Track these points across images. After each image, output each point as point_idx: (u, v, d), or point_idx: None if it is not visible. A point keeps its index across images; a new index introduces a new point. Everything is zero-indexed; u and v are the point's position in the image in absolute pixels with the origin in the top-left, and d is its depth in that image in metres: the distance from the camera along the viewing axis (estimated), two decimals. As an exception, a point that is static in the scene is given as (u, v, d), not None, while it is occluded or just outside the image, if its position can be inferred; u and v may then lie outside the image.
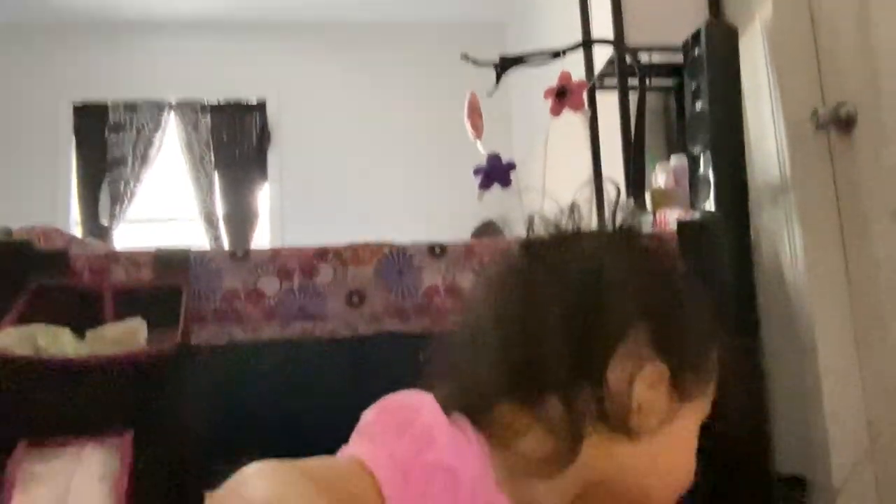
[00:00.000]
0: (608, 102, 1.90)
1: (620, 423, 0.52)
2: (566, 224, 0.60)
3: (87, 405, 1.01)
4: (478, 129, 1.58)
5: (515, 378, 0.53)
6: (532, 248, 0.59)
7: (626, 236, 0.60)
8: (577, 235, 0.60)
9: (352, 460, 0.48)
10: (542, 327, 0.53)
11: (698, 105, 1.38)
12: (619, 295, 0.54)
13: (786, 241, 1.31)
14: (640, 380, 0.53)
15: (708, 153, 1.34)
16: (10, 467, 0.93)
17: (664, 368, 0.53)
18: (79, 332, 1.04)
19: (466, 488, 0.49)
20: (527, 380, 0.53)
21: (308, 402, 1.11)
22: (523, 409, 0.53)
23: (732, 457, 1.23)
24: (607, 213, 0.63)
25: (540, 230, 0.60)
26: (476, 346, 0.56)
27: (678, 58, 1.49)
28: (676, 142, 1.81)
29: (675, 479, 0.56)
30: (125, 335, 1.02)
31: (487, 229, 3.13)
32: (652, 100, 1.79)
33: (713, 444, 1.19)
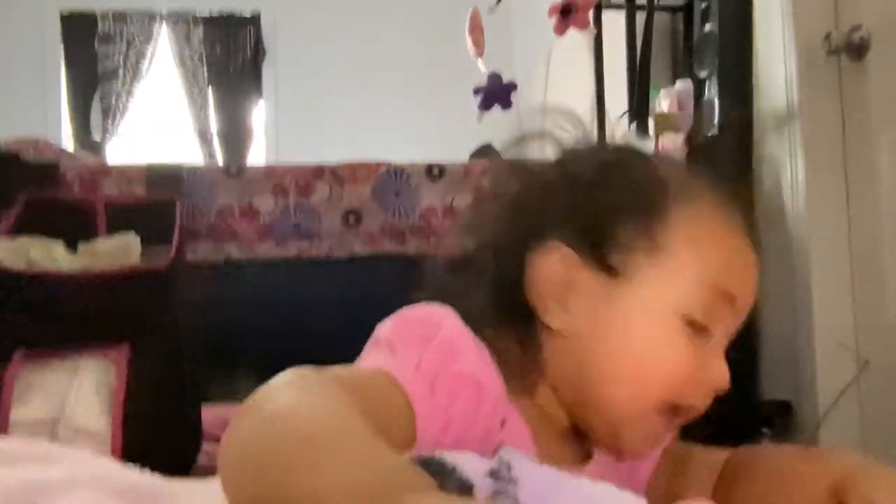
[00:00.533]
0: (614, 22, 1.85)
1: (548, 317, 0.52)
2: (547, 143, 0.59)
3: (81, 318, 1.01)
4: (479, 46, 1.54)
5: (498, 304, 0.53)
6: (513, 170, 0.58)
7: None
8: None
9: (378, 372, 0.46)
10: (498, 249, 0.54)
11: (707, 26, 1.33)
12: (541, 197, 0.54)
13: (788, 169, 1.30)
14: (541, 268, 0.52)
15: (715, 77, 1.31)
16: (7, 378, 0.94)
17: (567, 251, 0.51)
18: (71, 245, 1.04)
19: (489, 401, 0.48)
20: (506, 303, 0.53)
21: (303, 321, 1.11)
22: (504, 330, 0.52)
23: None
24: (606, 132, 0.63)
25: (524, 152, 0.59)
26: (465, 271, 0.56)
27: (690, -24, 1.43)
28: (682, 66, 1.77)
29: (643, 368, 0.50)
30: (118, 250, 1.01)
31: (486, 152, 3.09)
32: (659, 21, 1.74)
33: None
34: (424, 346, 0.48)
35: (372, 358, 0.48)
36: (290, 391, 0.39)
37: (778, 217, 1.31)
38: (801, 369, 1.25)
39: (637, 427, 0.51)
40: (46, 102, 3.83)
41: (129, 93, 3.93)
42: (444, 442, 0.46)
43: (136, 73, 3.93)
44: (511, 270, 0.52)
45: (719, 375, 0.51)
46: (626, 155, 0.57)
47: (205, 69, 3.95)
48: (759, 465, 0.56)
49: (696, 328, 0.51)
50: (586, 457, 0.55)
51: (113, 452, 0.94)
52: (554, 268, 0.51)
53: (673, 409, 0.51)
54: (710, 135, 1.31)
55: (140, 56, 3.93)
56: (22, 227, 1.04)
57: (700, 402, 0.51)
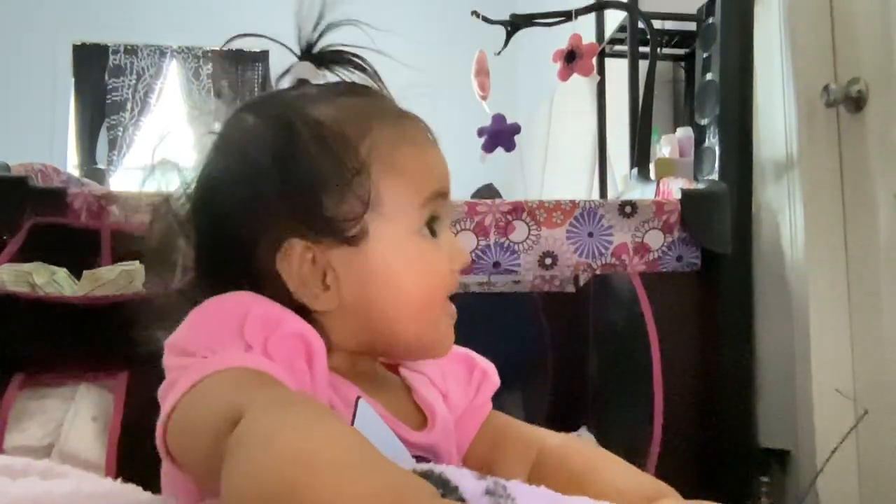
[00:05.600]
0: (617, 69, 1.88)
1: (318, 304, 0.54)
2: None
3: (81, 345, 1.01)
4: (485, 88, 1.56)
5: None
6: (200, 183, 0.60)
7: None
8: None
9: (235, 371, 0.46)
10: (242, 263, 0.57)
11: (709, 75, 1.36)
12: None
13: (787, 217, 1.31)
14: (289, 271, 0.54)
15: (715, 124, 1.33)
16: (4, 402, 0.94)
17: (302, 244, 0.53)
18: (76, 272, 1.04)
19: (319, 358, 0.51)
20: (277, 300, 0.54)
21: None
22: None
23: (717, 427, 1.24)
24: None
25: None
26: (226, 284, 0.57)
27: (691, 26, 1.46)
28: (683, 114, 1.80)
29: (416, 291, 0.56)
30: (122, 277, 1.02)
31: (488, 193, 3.11)
32: (661, 69, 1.77)
33: (700, 415, 1.21)
34: (241, 328, 0.48)
35: (196, 368, 0.47)
36: (278, 417, 0.40)
37: (777, 265, 1.31)
38: (800, 418, 1.25)
39: (435, 330, 0.58)
40: (55, 131, 3.87)
41: (137, 125, 3.97)
42: None
43: (144, 106, 3.98)
44: (267, 275, 0.54)
45: (463, 255, 0.59)
46: (285, 118, 0.56)
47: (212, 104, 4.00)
48: (576, 467, 0.58)
49: (432, 231, 0.57)
50: (422, 423, 0.59)
51: (106, 481, 0.93)
52: (299, 265, 0.54)
53: (448, 295, 0.58)
54: (709, 181, 1.33)
55: (149, 90, 3.99)
56: (26, 253, 1.05)
57: (458, 279, 0.60)
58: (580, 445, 0.61)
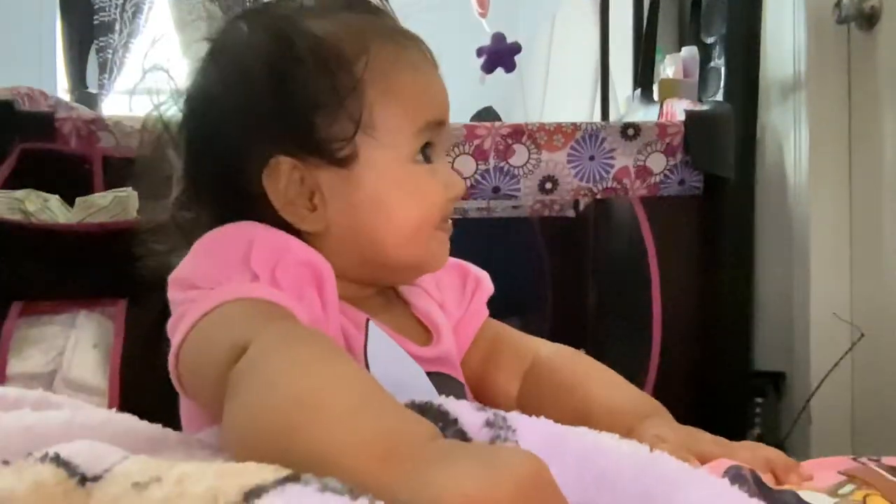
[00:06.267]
0: (621, -15, 1.82)
1: (305, 225, 0.54)
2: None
3: (78, 273, 1.01)
4: (484, 5, 1.51)
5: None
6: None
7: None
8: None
9: (243, 302, 0.46)
10: (228, 180, 0.57)
11: (717, -9, 1.31)
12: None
13: (792, 141, 1.29)
14: (275, 188, 0.53)
15: (721, 43, 1.29)
16: (4, 330, 0.94)
17: (290, 162, 0.53)
18: (68, 199, 1.03)
19: (329, 280, 0.51)
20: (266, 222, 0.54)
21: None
22: None
23: (714, 351, 1.26)
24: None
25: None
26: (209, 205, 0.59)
27: (700, -61, 1.40)
28: (689, 33, 1.74)
29: (410, 217, 0.55)
30: (116, 204, 1.01)
31: (487, 116, 3.06)
32: (667, -15, 1.71)
33: (695, 336, 1.22)
34: (247, 258, 0.48)
35: (203, 300, 0.47)
36: (282, 355, 0.39)
37: (779, 188, 1.30)
38: (797, 341, 1.26)
39: (426, 251, 0.57)
40: (42, 55, 3.77)
41: (126, 48, 3.87)
42: None
43: (133, 27, 3.87)
44: (254, 193, 0.53)
45: (459, 184, 0.58)
46: (282, 30, 0.54)
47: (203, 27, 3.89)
48: (566, 379, 0.59)
49: (427, 158, 0.56)
50: (428, 337, 0.59)
51: (110, 407, 0.94)
52: (286, 183, 0.53)
53: (442, 221, 0.58)
54: (714, 102, 1.30)
55: (137, 10, 3.86)
56: (16, 179, 1.03)
57: (452, 207, 0.59)
58: (573, 357, 0.61)
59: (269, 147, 0.53)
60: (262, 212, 0.53)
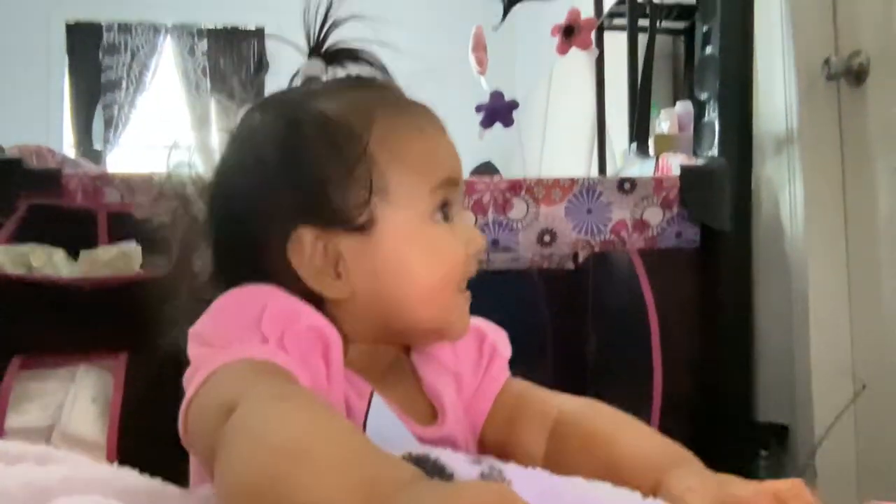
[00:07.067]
0: (616, 44, 1.86)
1: (331, 292, 0.54)
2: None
3: (80, 326, 1.01)
4: (482, 64, 1.55)
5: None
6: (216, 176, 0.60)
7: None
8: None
9: (243, 363, 0.47)
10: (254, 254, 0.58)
11: (708, 49, 1.34)
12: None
13: (787, 192, 1.30)
14: (300, 260, 0.54)
15: (715, 99, 1.32)
16: (4, 384, 0.94)
17: (313, 233, 0.54)
18: (72, 253, 1.04)
19: (335, 348, 0.51)
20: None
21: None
22: None
23: (716, 403, 1.25)
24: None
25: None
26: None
27: (691, -1, 1.45)
28: (683, 89, 1.78)
29: (431, 277, 0.55)
30: (119, 258, 1.02)
31: (486, 170, 3.10)
32: (660, 43, 1.76)
33: (696, 388, 1.21)
34: (258, 321, 0.49)
35: (213, 359, 0.48)
36: (269, 409, 0.40)
37: (776, 240, 1.31)
38: (798, 393, 1.25)
39: (449, 314, 0.58)
40: (49, 111, 3.84)
41: (132, 104, 3.94)
42: None
43: (139, 85, 3.95)
44: (279, 269, 0.54)
45: (478, 241, 0.59)
46: (291, 114, 0.57)
47: (207, 81, 3.97)
48: (593, 433, 0.58)
49: (445, 217, 0.57)
50: (433, 415, 0.59)
51: (108, 461, 0.93)
52: (311, 253, 0.54)
53: (463, 284, 0.58)
54: (709, 157, 1.32)
55: (143, 68, 3.95)
56: (23, 234, 1.04)
57: (475, 266, 0.59)
58: (599, 409, 0.60)
59: (290, 221, 0.54)
60: (288, 285, 0.54)
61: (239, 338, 0.48)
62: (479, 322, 0.64)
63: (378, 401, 0.52)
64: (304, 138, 0.55)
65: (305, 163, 0.54)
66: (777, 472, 1.23)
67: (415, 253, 0.55)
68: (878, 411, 1.16)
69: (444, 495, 0.32)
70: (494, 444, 0.61)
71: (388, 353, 0.60)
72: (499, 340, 0.66)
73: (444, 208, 0.57)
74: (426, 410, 0.59)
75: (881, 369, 1.17)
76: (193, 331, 0.51)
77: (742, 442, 1.25)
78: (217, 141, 0.61)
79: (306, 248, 0.54)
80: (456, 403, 0.60)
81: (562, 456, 0.57)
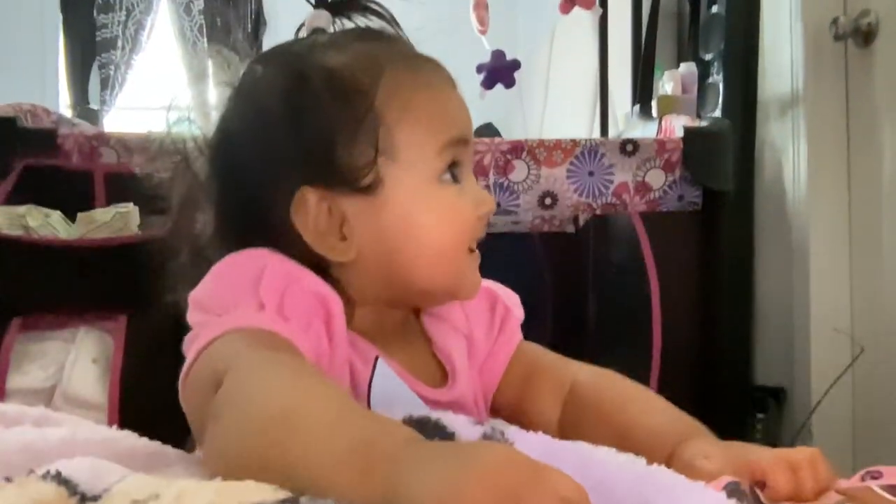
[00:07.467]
0: (619, 3, 1.83)
1: (335, 255, 0.53)
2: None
3: (79, 288, 1.01)
4: (483, 22, 1.52)
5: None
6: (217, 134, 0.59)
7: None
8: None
9: (240, 333, 0.46)
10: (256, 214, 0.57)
11: (714, 8, 1.32)
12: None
13: (790, 156, 1.29)
14: (304, 221, 0.53)
15: (719, 59, 1.30)
16: (4, 345, 0.94)
17: (317, 193, 0.53)
18: (69, 214, 1.03)
19: (337, 315, 0.50)
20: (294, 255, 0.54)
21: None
22: None
23: (714, 366, 1.26)
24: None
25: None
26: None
27: (698, -44, 1.41)
28: (687, 49, 1.76)
29: (440, 238, 0.54)
30: (117, 220, 1.01)
31: (487, 132, 3.08)
32: (665, 2, 1.72)
33: (695, 350, 1.22)
34: (257, 286, 0.48)
35: (210, 326, 0.47)
36: (258, 377, 0.40)
37: (778, 202, 1.30)
38: (797, 356, 1.26)
39: (460, 276, 0.56)
40: (45, 71, 3.79)
41: (128, 64, 3.89)
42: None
43: (135, 44, 3.89)
44: (283, 230, 0.53)
45: (488, 201, 0.57)
46: (296, 67, 0.55)
47: (204, 41, 3.91)
48: (607, 403, 0.58)
49: (453, 178, 0.55)
50: (444, 378, 0.58)
51: (109, 423, 0.94)
52: (315, 215, 0.53)
53: (473, 245, 0.57)
54: (712, 118, 1.30)
55: (139, 27, 3.89)
56: (18, 195, 1.04)
57: (484, 227, 0.58)
58: (613, 380, 0.60)
59: (294, 181, 0.53)
60: (291, 248, 0.53)
61: (236, 303, 0.48)
62: (489, 284, 0.63)
63: (382, 364, 0.52)
64: (309, 93, 0.53)
65: (309, 119, 0.52)
66: (774, 434, 1.24)
67: (423, 215, 0.54)
68: (876, 375, 1.17)
69: (452, 460, 0.31)
70: (507, 406, 0.61)
71: (396, 316, 0.59)
72: (511, 302, 0.65)
73: (453, 168, 0.55)
74: (436, 373, 0.59)
75: (880, 333, 1.17)
76: (193, 296, 0.51)
77: (739, 403, 1.26)
78: (215, 96, 0.59)
79: (310, 209, 0.53)
80: (466, 366, 0.60)
81: (575, 426, 0.57)
